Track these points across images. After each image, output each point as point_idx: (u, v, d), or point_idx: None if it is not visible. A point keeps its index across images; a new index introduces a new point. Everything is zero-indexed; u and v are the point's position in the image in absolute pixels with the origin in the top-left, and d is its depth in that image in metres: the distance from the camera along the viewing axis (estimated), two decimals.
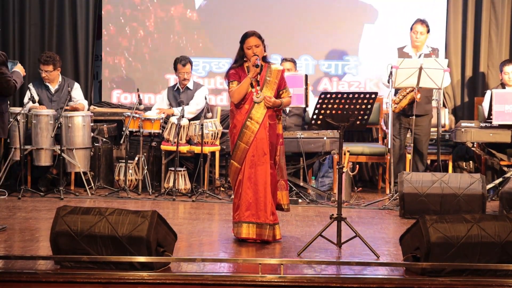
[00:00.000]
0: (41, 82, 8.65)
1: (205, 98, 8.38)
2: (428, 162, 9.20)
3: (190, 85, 8.67)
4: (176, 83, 8.77)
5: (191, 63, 8.63)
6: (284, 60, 8.82)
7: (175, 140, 8.23)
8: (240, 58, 6.17)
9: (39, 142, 8.22)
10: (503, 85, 8.68)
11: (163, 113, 8.58)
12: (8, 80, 6.50)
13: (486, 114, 8.58)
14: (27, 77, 9.05)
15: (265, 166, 6.04)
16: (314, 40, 9.59)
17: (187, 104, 8.51)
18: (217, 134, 8.44)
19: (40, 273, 4.90)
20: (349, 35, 9.59)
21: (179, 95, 8.67)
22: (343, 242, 5.84)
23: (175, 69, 8.64)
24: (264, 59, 6.15)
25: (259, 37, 6.11)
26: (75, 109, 8.56)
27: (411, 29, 8.24)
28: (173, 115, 8.50)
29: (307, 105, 8.30)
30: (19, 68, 6.88)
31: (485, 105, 8.66)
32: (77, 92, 8.75)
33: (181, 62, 8.59)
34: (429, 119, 8.19)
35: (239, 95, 6.07)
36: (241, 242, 6.06)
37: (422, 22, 8.18)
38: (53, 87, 8.64)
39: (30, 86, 8.63)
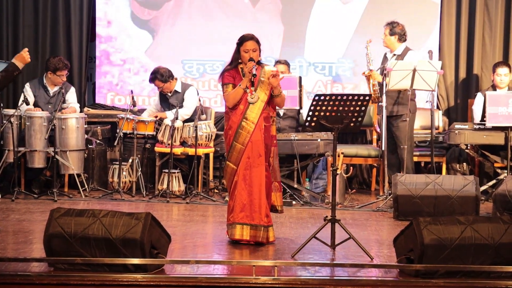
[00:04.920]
0: (39, 83, 8.63)
1: (199, 100, 8.38)
2: (422, 164, 9.24)
3: (178, 87, 8.66)
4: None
5: (159, 78, 8.51)
6: (278, 62, 8.83)
7: (169, 142, 8.23)
8: (235, 60, 6.18)
9: (32, 144, 8.20)
10: (494, 87, 8.70)
11: (156, 116, 8.57)
12: None
13: (476, 117, 8.59)
14: (20, 79, 9.06)
15: (260, 168, 6.04)
16: (308, 42, 9.59)
17: (180, 106, 8.48)
18: (211, 136, 8.44)
19: (34, 276, 4.88)
20: (343, 37, 9.59)
21: (168, 99, 8.66)
22: (337, 244, 5.84)
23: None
24: (258, 62, 6.16)
25: (257, 41, 6.12)
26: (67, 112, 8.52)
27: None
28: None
29: (301, 107, 8.31)
30: (18, 58, 6.60)
31: (476, 108, 8.67)
32: (71, 95, 8.73)
33: (149, 78, 8.61)
34: (405, 122, 8.13)
35: (234, 100, 6.08)
36: (235, 244, 6.06)
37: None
38: (51, 89, 8.63)
39: (27, 87, 8.62)
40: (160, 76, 8.51)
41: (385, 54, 8.48)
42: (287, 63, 8.85)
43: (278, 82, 6.05)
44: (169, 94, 8.66)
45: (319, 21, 9.60)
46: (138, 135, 8.39)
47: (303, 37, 9.61)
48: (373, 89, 8.23)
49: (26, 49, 6.55)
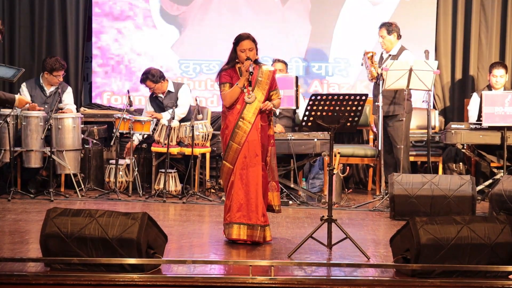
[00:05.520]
0: (36, 83, 8.63)
1: (196, 100, 8.37)
2: (418, 164, 9.24)
3: (170, 88, 8.65)
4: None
5: (150, 79, 8.49)
6: (276, 60, 8.81)
7: (166, 141, 8.23)
8: (232, 60, 6.18)
9: (29, 144, 8.19)
10: (489, 87, 8.70)
11: (152, 115, 8.56)
12: None
13: (471, 117, 8.59)
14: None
15: (257, 168, 6.04)
16: (304, 42, 9.59)
17: (175, 105, 8.45)
18: (208, 135, 8.44)
19: (30, 276, 4.88)
20: (339, 37, 9.60)
21: (162, 101, 8.65)
22: (333, 243, 5.85)
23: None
24: (256, 61, 6.17)
25: (253, 40, 6.13)
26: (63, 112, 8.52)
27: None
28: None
29: (297, 107, 8.31)
30: (18, 99, 7.00)
31: (471, 108, 8.68)
32: (68, 96, 8.72)
33: (140, 79, 8.60)
34: (401, 122, 8.13)
35: (231, 99, 6.09)
36: (231, 243, 6.06)
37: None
38: (48, 89, 8.62)
39: (23, 86, 8.61)
40: (151, 76, 8.49)
41: (381, 54, 8.49)
42: (285, 62, 8.85)
43: (267, 108, 6.11)
44: (162, 96, 8.64)
45: (348, 22, 9.57)
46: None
47: (330, 38, 9.58)
48: (373, 67, 8.13)
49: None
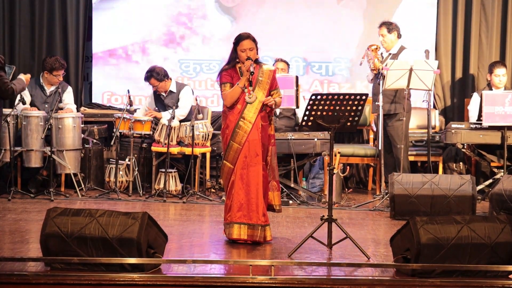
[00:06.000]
0: (36, 82, 8.63)
1: (196, 99, 8.38)
2: (419, 163, 9.24)
3: (172, 88, 8.65)
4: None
5: (155, 77, 8.49)
6: (278, 60, 8.80)
7: (166, 141, 8.23)
8: (233, 60, 6.18)
9: (29, 144, 8.19)
10: (490, 87, 8.70)
11: (151, 115, 8.56)
12: (6, 83, 6.54)
13: (471, 117, 8.59)
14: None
15: (257, 167, 6.04)
16: (305, 42, 9.59)
17: (176, 106, 8.46)
18: (208, 135, 8.44)
19: (30, 275, 4.88)
20: (339, 37, 9.60)
21: (164, 100, 8.65)
22: (333, 243, 5.85)
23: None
24: (256, 61, 6.17)
25: (253, 40, 6.13)
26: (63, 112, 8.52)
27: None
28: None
29: (297, 107, 8.31)
30: (24, 77, 6.97)
31: (471, 108, 8.68)
32: (68, 95, 8.72)
33: (144, 76, 8.57)
34: (400, 122, 8.14)
35: (232, 99, 6.10)
36: (232, 243, 6.06)
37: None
38: (48, 89, 8.62)
39: None
40: (156, 74, 8.50)
41: (381, 54, 8.48)
42: (286, 62, 8.84)
43: (268, 103, 6.10)
44: (164, 95, 8.65)
45: (317, 20, 9.55)
46: (134, 135, 8.38)
47: (300, 36, 9.55)
48: (377, 59, 8.12)
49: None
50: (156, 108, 8.75)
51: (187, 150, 8.33)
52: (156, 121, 8.56)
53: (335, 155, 7.92)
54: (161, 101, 8.68)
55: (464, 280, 4.94)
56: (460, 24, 9.46)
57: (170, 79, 8.66)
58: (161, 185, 8.28)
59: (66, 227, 5.03)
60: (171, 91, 8.64)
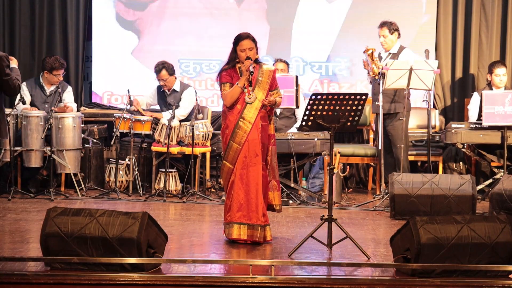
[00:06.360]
0: (36, 82, 8.62)
1: (196, 100, 8.37)
2: (419, 163, 9.24)
3: (176, 86, 8.64)
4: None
5: (166, 69, 8.52)
6: (278, 60, 8.80)
7: (166, 141, 8.23)
8: (232, 60, 6.18)
9: (29, 143, 8.19)
10: (490, 87, 8.70)
11: (152, 115, 8.56)
12: (14, 81, 6.58)
13: (471, 117, 8.58)
14: None
15: (257, 167, 6.04)
16: (305, 41, 9.59)
17: (177, 105, 8.46)
18: (208, 135, 8.44)
19: (30, 275, 4.88)
20: (340, 36, 9.59)
21: (166, 97, 8.65)
22: (333, 243, 5.85)
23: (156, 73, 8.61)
24: (256, 60, 6.17)
25: (253, 39, 6.12)
26: (62, 111, 8.50)
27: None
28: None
29: (297, 106, 8.31)
30: (15, 63, 6.93)
31: (472, 107, 8.67)
32: (68, 95, 8.71)
33: (155, 68, 8.56)
34: (400, 121, 8.14)
35: (232, 99, 6.09)
36: (231, 243, 6.06)
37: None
38: (48, 89, 8.62)
39: (23, 86, 8.58)
40: (167, 66, 8.50)
41: (379, 54, 8.47)
42: (286, 62, 8.84)
43: (266, 103, 6.10)
44: (167, 92, 8.64)
45: (305, 20, 9.56)
46: (134, 135, 8.38)
47: (289, 36, 9.58)
48: (374, 64, 8.11)
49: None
50: (159, 106, 8.73)
51: (187, 150, 8.33)
52: (156, 121, 8.56)
53: (335, 155, 7.92)
54: (164, 98, 8.67)
55: (464, 280, 4.94)
56: (460, 24, 9.46)
57: (175, 77, 8.66)
58: (161, 185, 8.28)
59: (66, 227, 5.03)
60: (174, 90, 8.64)
